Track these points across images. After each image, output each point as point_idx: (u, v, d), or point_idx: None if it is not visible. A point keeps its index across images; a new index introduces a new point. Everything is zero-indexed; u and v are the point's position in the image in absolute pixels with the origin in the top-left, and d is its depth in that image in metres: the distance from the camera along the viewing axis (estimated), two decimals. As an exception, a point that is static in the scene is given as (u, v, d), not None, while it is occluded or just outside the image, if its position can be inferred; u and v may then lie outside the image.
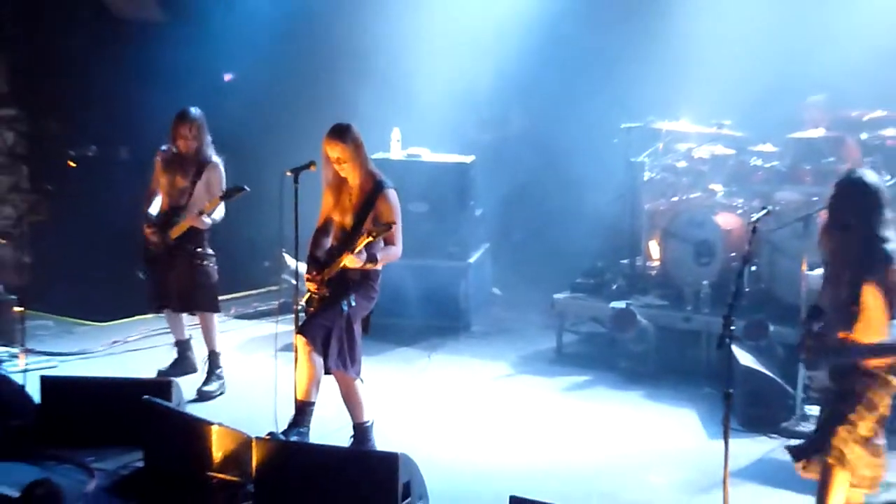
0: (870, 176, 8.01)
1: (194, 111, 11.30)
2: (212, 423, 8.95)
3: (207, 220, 11.19)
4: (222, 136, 11.73)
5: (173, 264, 11.36)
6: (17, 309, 11.93)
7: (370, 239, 9.22)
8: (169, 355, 11.95)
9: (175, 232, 11.22)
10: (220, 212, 11.28)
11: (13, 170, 14.52)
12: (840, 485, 7.93)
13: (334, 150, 9.53)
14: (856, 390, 7.86)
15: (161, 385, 10.13)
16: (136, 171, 12.04)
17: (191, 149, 11.30)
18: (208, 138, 11.38)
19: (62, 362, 12.24)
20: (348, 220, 9.56)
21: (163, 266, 11.40)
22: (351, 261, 9.27)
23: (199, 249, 11.33)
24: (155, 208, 11.44)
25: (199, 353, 11.84)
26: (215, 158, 11.38)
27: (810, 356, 8.05)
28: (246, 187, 10.94)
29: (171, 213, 11.32)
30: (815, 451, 8.01)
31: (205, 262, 11.40)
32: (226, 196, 11.01)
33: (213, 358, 11.57)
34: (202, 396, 11.25)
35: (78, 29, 14.46)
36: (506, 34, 14.23)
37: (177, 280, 11.39)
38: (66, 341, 13.00)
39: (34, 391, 10.33)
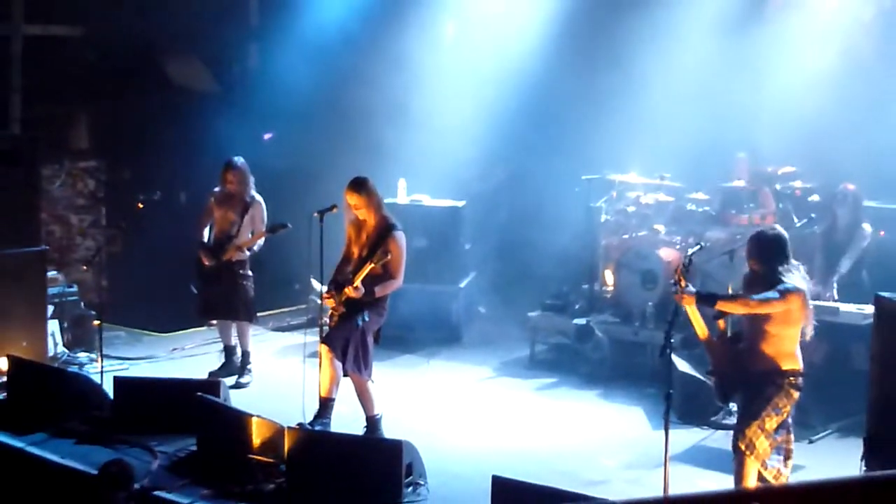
0: (773, 230, 8.20)
1: (238, 160, 11.53)
2: (252, 415, 8.98)
3: (247, 251, 11.40)
4: (262, 184, 11.80)
5: (220, 281, 11.45)
6: (95, 322, 11.95)
7: (371, 265, 9.35)
8: (217, 360, 12.00)
9: (227, 255, 11.33)
10: (260, 243, 11.42)
11: (94, 210, 14.57)
12: (751, 471, 7.98)
13: (351, 199, 9.65)
14: (766, 394, 7.94)
15: (211, 384, 10.15)
16: (191, 212, 12.06)
17: (237, 190, 11.42)
18: (251, 180, 11.56)
19: (132, 365, 12.28)
20: (364, 253, 9.65)
21: (212, 282, 11.51)
22: (351, 294, 9.39)
23: (241, 271, 11.46)
24: (206, 236, 11.62)
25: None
26: (258, 197, 11.52)
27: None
28: (289, 224, 11.07)
29: (224, 240, 11.45)
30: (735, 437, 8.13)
31: (245, 282, 11.51)
32: (271, 230, 11.19)
33: (245, 357, 11.75)
34: (238, 386, 11.39)
35: (147, 95, 14.50)
36: (492, 100, 14.27)
37: (222, 294, 11.50)
38: (135, 348, 13.02)
39: (109, 389, 10.38)
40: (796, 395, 7.98)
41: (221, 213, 11.55)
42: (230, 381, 11.23)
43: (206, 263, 11.46)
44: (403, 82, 14.81)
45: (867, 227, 11.31)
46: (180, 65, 14.98)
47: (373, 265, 9.42)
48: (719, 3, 13.50)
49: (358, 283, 9.43)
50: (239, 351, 11.86)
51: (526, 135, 14.55)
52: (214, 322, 12.28)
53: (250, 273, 11.58)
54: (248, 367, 11.73)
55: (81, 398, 10.25)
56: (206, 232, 11.66)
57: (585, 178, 13.31)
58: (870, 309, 9.16)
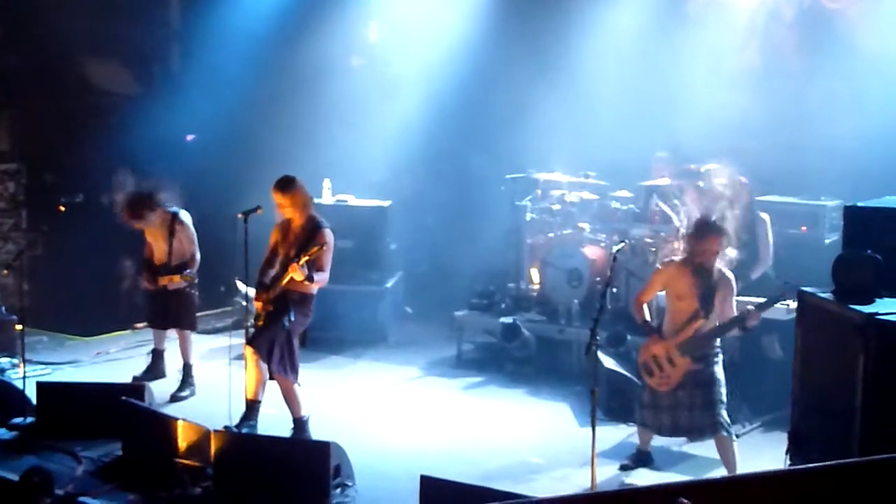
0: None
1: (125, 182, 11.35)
2: (177, 419, 8.89)
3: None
4: (186, 186, 11.67)
5: (167, 291, 11.28)
6: (17, 326, 11.77)
7: (308, 257, 9.28)
8: (142, 364, 11.84)
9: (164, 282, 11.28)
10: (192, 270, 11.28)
11: (14, 213, 14.31)
12: (735, 449, 8.56)
13: (278, 198, 9.64)
14: (714, 375, 8.31)
15: (136, 388, 10.02)
16: (113, 215, 11.88)
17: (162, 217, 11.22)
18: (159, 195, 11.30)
19: (55, 370, 12.11)
20: (292, 253, 9.59)
21: (159, 291, 11.33)
22: (296, 270, 9.29)
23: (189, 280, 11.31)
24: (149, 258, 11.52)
25: (169, 363, 11.80)
26: (182, 215, 11.31)
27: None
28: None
29: (162, 268, 11.32)
30: (708, 432, 8.39)
31: (192, 290, 11.38)
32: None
33: (187, 369, 11.50)
34: (175, 400, 11.15)
35: (67, 97, 14.30)
36: (418, 100, 14.29)
37: (169, 303, 11.40)
38: (58, 353, 12.82)
39: (32, 394, 10.22)
40: None
41: (152, 238, 11.43)
42: (158, 385, 11.10)
43: (153, 284, 11.39)
44: (328, 83, 14.75)
45: (766, 216, 11.38)
46: (100, 67, 14.79)
47: (310, 255, 9.35)
48: (642, 1, 13.56)
49: (304, 262, 9.34)
50: (165, 359, 11.77)
51: (451, 134, 14.56)
52: (139, 325, 12.13)
53: (196, 280, 11.42)
54: (190, 380, 11.47)
55: (4, 404, 10.10)
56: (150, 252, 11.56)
57: (510, 176, 13.33)
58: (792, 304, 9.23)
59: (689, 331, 8.81)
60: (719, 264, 8.86)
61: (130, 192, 11.23)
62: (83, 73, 14.62)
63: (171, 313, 11.46)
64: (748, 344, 10.54)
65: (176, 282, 11.21)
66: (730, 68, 13.03)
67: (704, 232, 8.76)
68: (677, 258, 9.00)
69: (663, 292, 9.22)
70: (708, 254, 8.75)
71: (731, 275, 8.93)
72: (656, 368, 8.94)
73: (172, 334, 11.66)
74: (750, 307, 8.79)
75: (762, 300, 9.03)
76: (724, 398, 8.85)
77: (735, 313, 8.82)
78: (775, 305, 9.05)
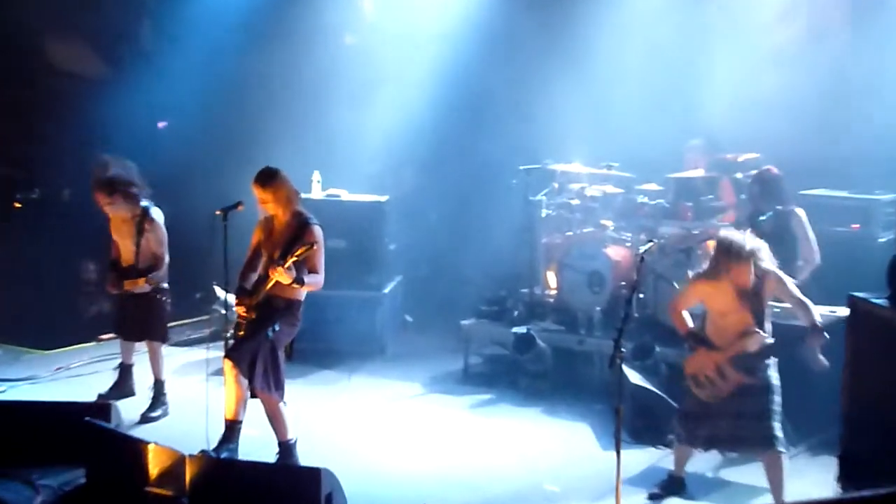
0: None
1: (109, 161, 11.24)
2: (148, 442, 8.85)
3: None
4: (157, 179, 11.68)
5: (135, 298, 11.29)
6: (-34, 339, 11.81)
7: (295, 258, 9.27)
8: (108, 380, 11.86)
9: (129, 287, 11.23)
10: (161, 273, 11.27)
11: (-36, 213, 14.38)
12: (786, 469, 8.49)
13: (260, 193, 9.62)
14: (768, 381, 8.31)
15: (101, 407, 10.02)
16: (77, 212, 11.92)
17: (116, 207, 11.22)
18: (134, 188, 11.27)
19: (10, 388, 12.09)
20: (277, 254, 9.57)
21: (126, 298, 11.36)
22: (281, 273, 9.28)
23: (158, 285, 11.31)
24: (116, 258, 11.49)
25: (138, 378, 11.79)
26: (154, 212, 11.31)
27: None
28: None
29: (130, 271, 11.27)
30: (758, 446, 8.41)
31: (162, 297, 11.38)
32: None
33: (158, 386, 11.50)
34: (145, 421, 11.15)
35: (26, 82, 14.33)
36: (418, 84, 14.30)
37: (137, 312, 11.37)
38: (14, 368, 12.81)
39: (-17, 415, 10.22)
40: None
41: (118, 236, 11.45)
42: (126, 404, 11.12)
43: (118, 287, 11.40)
44: (317, 66, 14.77)
45: (801, 212, 11.38)
46: (62, 46, 14.82)
47: (297, 256, 9.34)
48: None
49: (290, 263, 9.35)
50: (134, 374, 11.76)
51: (456, 121, 14.57)
52: (105, 337, 12.13)
53: (166, 286, 11.43)
54: (162, 398, 11.47)
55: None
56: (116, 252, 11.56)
57: (523, 168, 13.29)
58: (841, 310, 9.25)
59: (742, 345, 8.81)
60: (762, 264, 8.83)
61: (110, 172, 11.19)
62: (42, 54, 14.65)
63: (140, 323, 11.45)
64: (785, 354, 10.50)
65: (141, 286, 11.20)
66: (770, 44, 13.01)
67: (731, 259, 8.74)
68: (709, 275, 9.01)
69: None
70: (741, 280, 8.75)
71: (773, 267, 8.90)
72: (707, 382, 8.94)
73: (142, 347, 11.66)
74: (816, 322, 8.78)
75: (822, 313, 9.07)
76: (780, 409, 8.84)
77: (802, 299, 8.81)
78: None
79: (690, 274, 9.44)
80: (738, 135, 12.89)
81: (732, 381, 8.81)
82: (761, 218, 11.21)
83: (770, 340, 8.80)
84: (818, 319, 8.73)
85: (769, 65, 12.80)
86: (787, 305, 9.17)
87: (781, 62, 12.84)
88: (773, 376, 8.86)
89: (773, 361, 8.90)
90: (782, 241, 10.83)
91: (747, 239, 8.74)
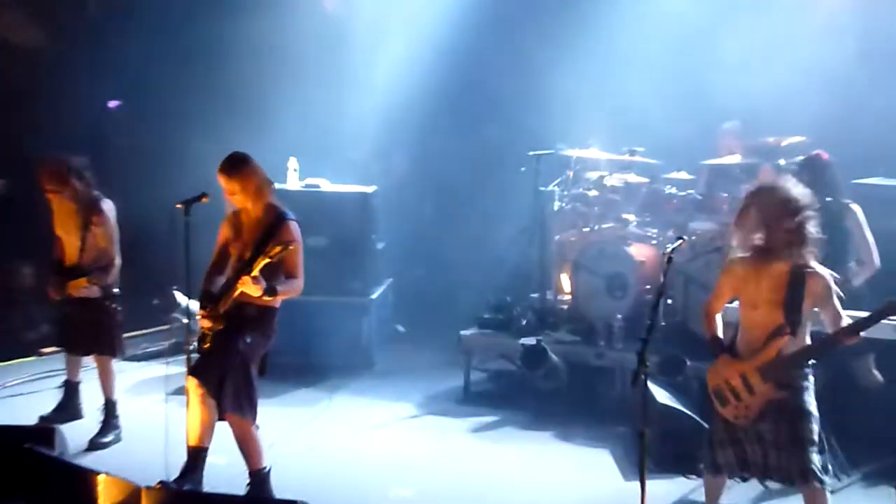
0: None
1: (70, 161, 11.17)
2: (98, 472, 8.83)
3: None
4: (109, 166, 11.61)
5: (81, 306, 11.20)
6: None
7: (268, 260, 9.15)
8: (52, 401, 11.78)
9: (71, 291, 11.15)
10: (114, 273, 11.20)
11: None
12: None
13: (226, 183, 9.52)
14: (803, 403, 8.20)
15: (44, 432, 9.94)
16: (14, 205, 11.85)
17: (62, 197, 11.13)
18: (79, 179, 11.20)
19: (-61, 409, 12.10)
20: (247, 254, 9.49)
21: (71, 307, 11.26)
22: (247, 285, 9.18)
23: (106, 291, 11.21)
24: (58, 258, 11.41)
25: (86, 398, 11.72)
26: (105, 205, 11.22)
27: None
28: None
29: (72, 270, 11.19)
30: (796, 480, 8.32)
31: (111, 304, 11.28)
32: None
33: (109, 407, 11.41)
34: (95, 447, 11.06)
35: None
36: (412, 59, 14.28)
37: (82, 322, 11.27)
38: (-57, 387, 12.83)
39: None
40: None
41: (63, 232, 11.34)
42: (73, 428, 11.03)
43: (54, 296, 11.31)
44: (292, 36, 14.73)
45: (857, 208, 11.32)
46: (-1, 16, 14.86)
47: (271, 257, 9.25)
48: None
49: (257, 271, 9.26)
50: (81, 393, 11.69)
51: (454, 99, 14.57)
52: (47, 350, 12.06)
53: (118, 290, 11.34)
54: (114, 421, 11.38)
55: None
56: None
57: (533, 154, 13.26)
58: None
59: (772, 350, 8.71)
60: (807, 259, 8.72)
61: (62, 156, 11.11)
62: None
63: (87, 334, 11.34)
64: (834, 370, 10.44)
65: (84, 286, 11.09)
66: (818, 11, 12.99)
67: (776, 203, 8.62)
68: (744, 252, 8.85)
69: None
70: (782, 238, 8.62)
71: (823, 270, 8.79)
72: (732, 397, 8.84)
73: (90, 362, 11.60)
74: (846, 323, 8.69)
75: (862, 316, 8.93)
76: (817, 437, 8.75)
77: (843, 316, 8.70)
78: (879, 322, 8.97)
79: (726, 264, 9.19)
80: (779, 116, 12.86)
81: (761, 396, 8.70)
82: None
83: (801, 344, 8.69)
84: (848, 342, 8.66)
85: (815, 34, 12.76)
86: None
87: (829, 31, 12.81)
88: (810, 401, 8.74)
89: (810, 382, 8.80)
90: (832, 239, 10.79)
91: None
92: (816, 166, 11.32)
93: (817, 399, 8.84)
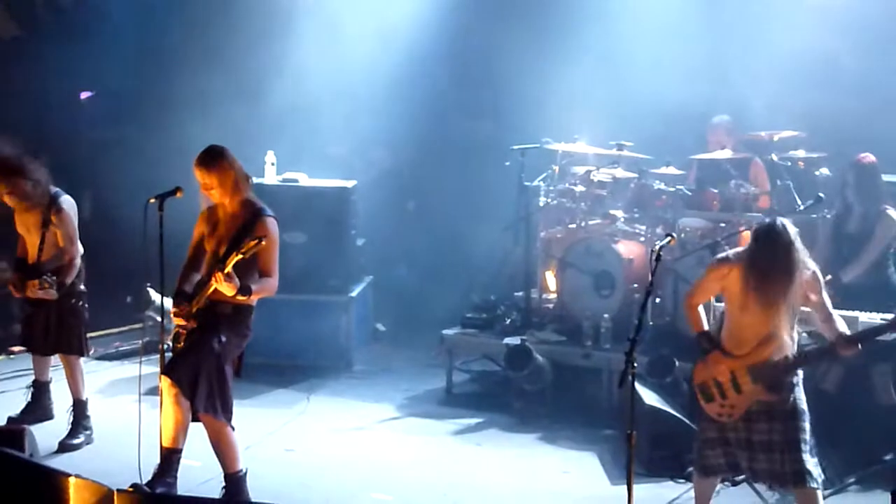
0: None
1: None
2: (69, 475, 8.76)
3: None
4: (79, 159, 11.60)
5: (46, 304, 11.18)
6: None
7: (241, 256, 9.12)
8: (20, 401, 11.77)
9: (29, 292, 11.11)
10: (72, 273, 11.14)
11: None
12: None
13: (202, 176, 9.50)
14: (795, 404, 8.19)
15: (12, 434, 9.98)
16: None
17: (16, 196, 11.09)
18: (38, 174, 11.13)
19: None
20: (222, 250, 9.48)
21: (36, 304, 11.24)
22: (221, 282, 9.15)
23: (71, 289, 11.17)
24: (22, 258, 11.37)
25: (56, 399, 11.71)
26: (63, 201, 11.16)
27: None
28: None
29: (34, 269, 11.13)
30: (788, 482, 8.31)
31: (77, 302, 11.24)
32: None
33: (79, 408, 11.37)
34: (65, 449, 11.02)
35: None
36: (394, 51, 14.29)
37: (48, 320, 11.22)
38: None
39: None
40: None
41: (24, 230, 11.32)
42: (42, 429, 11.01)
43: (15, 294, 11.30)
44: (269, 20, 14.72)
45: (893, 213, 11.34)
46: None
47: (244, 253, 9.23)
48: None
49: (230, 268, 9.25)
50: (51, 393, 11.68)
51: (437, 91, 14.58)
52: (15, 350, 12.04)
53: (83, 288, 11.30)
54: (85, 422, 11.32)
55: None
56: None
57: (517, 147, 13.26)
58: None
59: (764, 353, 8.73)
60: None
61: (10, 153, 11.08)
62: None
63: (52, 334, 11.29)
64: (851, 374, 10.44)
65: (35, 288, 11.04)
66: (812, 2, 13.04)
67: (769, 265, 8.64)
68: (736, 253, 8.86)
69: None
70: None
71: (812, 265, 8.80)
72: (717, 394, 8.85)
73: (59, 362, 11.58)
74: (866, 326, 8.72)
75: (881, 322, 8.97)
76: (809, 436, 8.76)
77: (836, 317, 8.71)
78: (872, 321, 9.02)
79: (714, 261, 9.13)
80: (774, 109, 12.87)
81: (748, 396, 8.71)
82: (799, 206, 11.26)
83: (800, 355, 8.71)
84: (846, 331, 8.63)
85: (818, 21, 12.77)
86: (807, 309, 9.09)
87: (834, 19, 12.83)
88: (801, 398, 8.75)
89: (800, 378, 8.81)
90: (863, 244, 10.97)
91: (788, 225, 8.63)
92: (863, 168, 11.37)
93: (821, 397, 8.88)
